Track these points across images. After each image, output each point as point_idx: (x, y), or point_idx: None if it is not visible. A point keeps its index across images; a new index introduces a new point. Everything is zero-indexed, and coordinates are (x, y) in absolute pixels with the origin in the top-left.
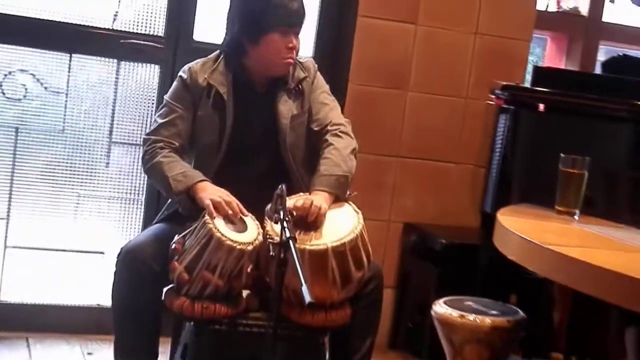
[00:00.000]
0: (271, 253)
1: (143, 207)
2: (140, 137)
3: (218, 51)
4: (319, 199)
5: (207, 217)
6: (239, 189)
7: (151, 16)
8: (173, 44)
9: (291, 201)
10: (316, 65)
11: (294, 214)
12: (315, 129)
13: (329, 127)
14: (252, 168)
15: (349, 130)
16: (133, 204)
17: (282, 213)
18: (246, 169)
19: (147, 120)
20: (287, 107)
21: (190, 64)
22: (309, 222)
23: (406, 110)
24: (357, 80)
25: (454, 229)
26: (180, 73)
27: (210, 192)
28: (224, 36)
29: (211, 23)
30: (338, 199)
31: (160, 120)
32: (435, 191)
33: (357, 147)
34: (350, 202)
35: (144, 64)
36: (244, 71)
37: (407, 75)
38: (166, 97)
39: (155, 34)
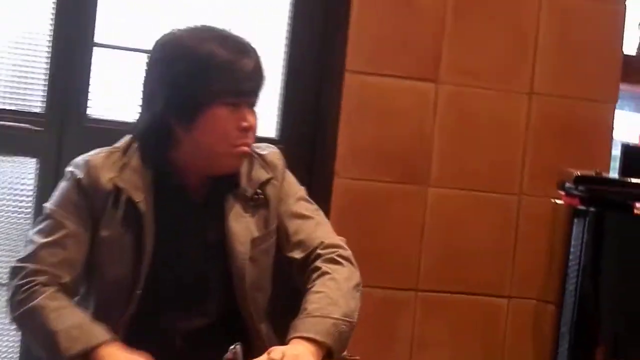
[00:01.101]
0: None
1: None
2: (7, 268)
3: (129, 137)
4: (303, 353)
5: None
6: (165, 352)
7: (24, 83)
8: (57, 125)
9: None
10: (283, 159)
11: None
12: (298, 256)
13: (319, 251)
14: (187, 320)
15: (349, 255)
16: None
17: None
18: (177, 322)
19: (17, 242)
20: (242, 226)
21: (86, 156)
22: None
23: (427, 217)
24: (347, 173)
25: None
26: (70, 169)
27: None
28: (139, 114)
29: (115, 93)
30: (331, 355)
31: (40, 240)
32: (479, 341)
33: (361, 280)
34: None
35: (12, 157)
36: (172, 168)
37: (425, 162)
38: (48, 205)
39: (29, 110)
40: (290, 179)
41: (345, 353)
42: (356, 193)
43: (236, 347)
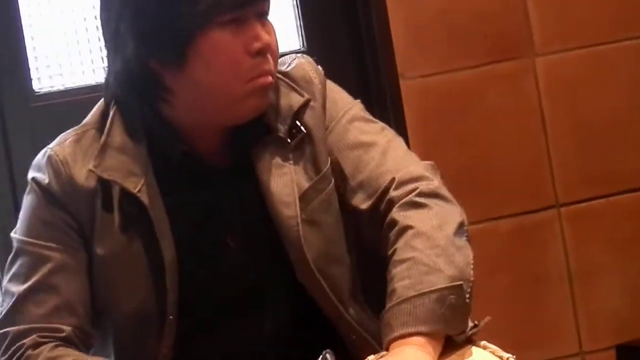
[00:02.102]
0: None
1: None
2: None
3: (100, 104)
4: (413, 354)
5: None
6: None
7: None
8: None
9: None
10: (318, 68)
11: None
12: (363, 206)
13: (392, 193)
14: (248, 331)
15: (436, 187)
16: None
17: None
18: (231, 341)
19: None
20: (284, 181)
21: (47, 150)
22: None
23: (543, 99)
24: (415, 70)
25: None
26: (31, 175)
27: None
28: (107, 67)
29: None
30: (451, 343)
31: (17, 289)
32: None
33: (465, 216)
34: (482, 344)
35: None
36: (171, 131)
37: (520, 23)
38: (16, 235)
39: None
40: (335, 93)
41: (470, 324)
42: (435, 94)
43: (326, 357)
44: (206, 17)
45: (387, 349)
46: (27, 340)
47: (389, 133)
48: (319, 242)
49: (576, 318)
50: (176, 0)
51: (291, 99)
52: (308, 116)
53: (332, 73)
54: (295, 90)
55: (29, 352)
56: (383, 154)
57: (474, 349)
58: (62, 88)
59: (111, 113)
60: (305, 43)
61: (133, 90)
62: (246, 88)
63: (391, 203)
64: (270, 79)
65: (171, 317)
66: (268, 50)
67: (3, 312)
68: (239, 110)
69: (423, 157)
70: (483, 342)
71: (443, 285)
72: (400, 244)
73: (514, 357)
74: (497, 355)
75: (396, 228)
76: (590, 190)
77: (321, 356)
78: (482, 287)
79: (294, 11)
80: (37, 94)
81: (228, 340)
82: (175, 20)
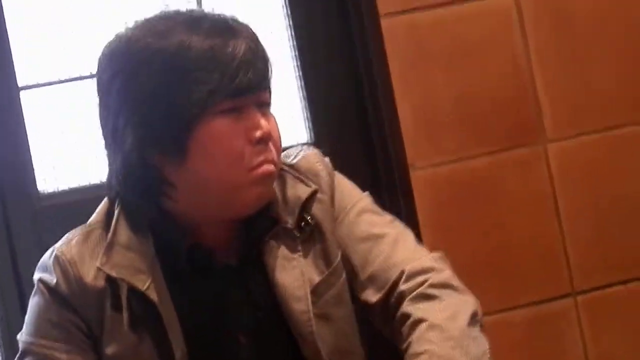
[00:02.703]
0: None
1: None
2: None
3: (104, 202)
4: None
5: None
6: None
7: None
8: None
9: None
10: (325, 161)
11: None
12: (373, 299)
13: (402, 287)
14: None
15: (446, 278)
16: None
17: None
18: None
19: None
20: (294, 275)
21: (54, 250)
22: None
23: (555, 184)
24: (425, 160)
25: None
26: (37, 276)
27: None
28: (108, 165)
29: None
30: None
31: None
32: None
33: (479, 305)
34: None
35: None
36: (176, 226)
37: (531, 108)
38: (22, 337)
39: None
40: (344, 185)
41: None
42: (446, 184)
43: None
44: (203, 107)
45: None
46: None
47: (399, 225)
48: (332, 336)
49: None
50: (172, 90)
51: (298, 190)
52: (316, 209)
53: (341, 164)
54: (303, 182)
55: None
56: (392, 246)
57: None
58: (66, 188)
59: (116, 211)
60: (313, 135)
61: (135, 187)
62: (249, 177)
63: (402, 296)
64: (272, 167)
65: None
66: (269, 139)
67: None
68: (242, 201)
69: (435, 245)
70: None
71: None
72: (414, 337)
73: None
74: None
75: (409, 322)
76: (608, 276)
77: None
78: None
79: (301, 103)
80: (41, 194)
81: None
82: (172, 111)
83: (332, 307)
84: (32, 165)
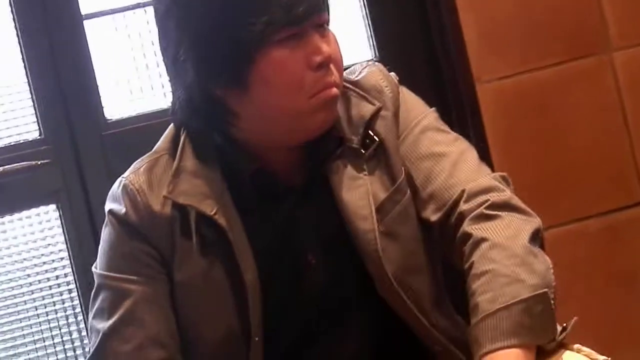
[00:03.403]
0: None
1: None
2: None
3: (171, 128)
4: None
5: None
6: None
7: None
8: (66, 147)
9: None
10: (390, 76)
11: None
12: (433, 218)
13: (463, 207)
14: (329, 352)
15: (507, 198)
16: None
17: None
18: (322, 357)
19: (63, 335)
20: (359, 194)
21: (122, 180)
22: None
23: (623, 93)
24: (491, 73)
25: None
26: (108, 207)
27: None
28: (172, 93)
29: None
30: (542, 352)
31: (102, 325)
32: None
33: (541, 223)
34: (576, 347)
35: (20, 213)
36: (243, 153)
37: (595, 18)
38: (97, 269)
39: (24, 138)
40: (409, 101)
41: (559, 328)
42: (512, 97)
43: None
44: (263, 37)
45: None
46: None
47: (462, 144)
48: (398, 255)
49: None
50: (231, 23)
51: (362, 109)
52: (380, 125)
53: (406, 80)
54: (366, 99)
55: None
56: (454, 165)
57: (568, 353)
58: (133, 114)
59: (182, 138)
60: (376, 52)
61: (199, 117)
62: (311, 103)
63: (462, 216)
64: (335, 90)
65: (256, 338)
66: (331, 62)
67: (90, 351)
68: (306, 126)
69: (503, 159)
70: (577, 346)
71: (527, 295)
72: (476, 257)
73: (610, 359)
74: (591, 358)
75: (470, 241)
76: None
77: None
78: (574, 288)
79: (364, 21)
80: (108, 121)
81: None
82: (232, 44)
83: (398, 225)
84: (98, 92)
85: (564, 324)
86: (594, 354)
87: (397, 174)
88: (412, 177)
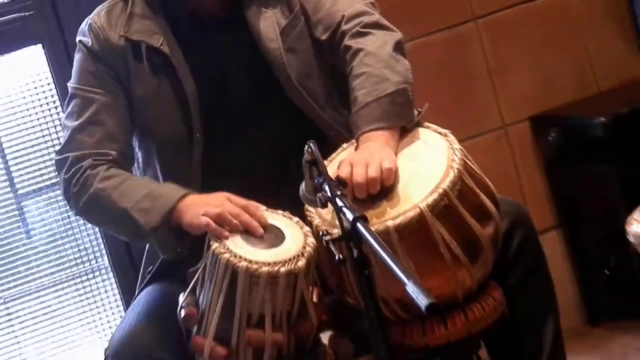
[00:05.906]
0: (337, 257)
1: (111, 275)
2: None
3: None
4: (376, 147)
5: (214, 244)
6: (242, 182)
7: None
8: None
9: (333, 165)
10: None
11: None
12: (323, 37)
13: (343, 27)
14: (253, 142)
15: (376, 19)
16: (93, 277)
17: (326, 187)
18: (243, 148)
19: (53, 138)
20: (268, 22)
21: (88, 20)
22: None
23: None
24: None
25: (610, 96)
26: (78, 38)
27: (201, 206)
28: None
29: None
30: (404, 129)
31: (72, 124)
32: (568, 48)
33: (402, 36)
34: (426, 125)
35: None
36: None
37: None
38: (70, 84)
39: None
40: None
41: (415, 113)
42: None
43: (310, 146)
44: None
45: (356, 143)
46: (85, 163)
47: None
48: (298, 63)
49: (497, 102)
50: None
51: None
52: None
53: None
54: None
55: (88, 172)
56: None
57: (421, 129)
58: None
59: None
60: None
61: None
62: None
63: (343, 34)
64: None
65: (198, 135)
66: None
67: (62, 143)
68: None
69: None
70: (426, 123)
71: (392, 90)
72: (355, 62)
73: (450, 132)
74: (437, 132)
75: (350, 51)
76: (503, 1)
77: (307, 146)
78: (428, 84)
79: None
80: None
81: (240, 145)
82: None
83: (296, 42)
84: None
85: (419, 109)
86: (439, 129)
87: (294, 5)
88: (305, 7)
